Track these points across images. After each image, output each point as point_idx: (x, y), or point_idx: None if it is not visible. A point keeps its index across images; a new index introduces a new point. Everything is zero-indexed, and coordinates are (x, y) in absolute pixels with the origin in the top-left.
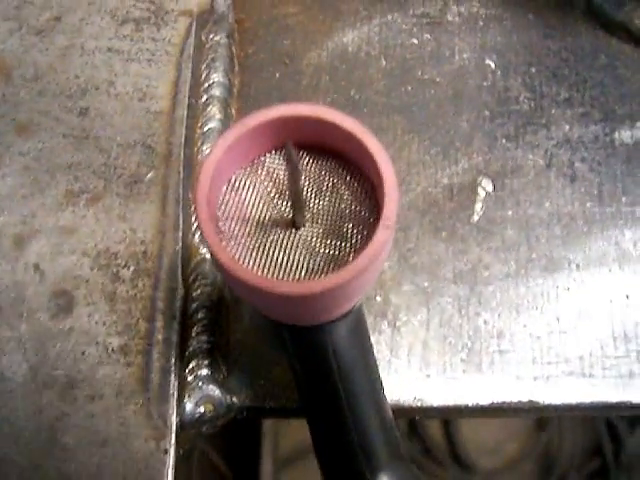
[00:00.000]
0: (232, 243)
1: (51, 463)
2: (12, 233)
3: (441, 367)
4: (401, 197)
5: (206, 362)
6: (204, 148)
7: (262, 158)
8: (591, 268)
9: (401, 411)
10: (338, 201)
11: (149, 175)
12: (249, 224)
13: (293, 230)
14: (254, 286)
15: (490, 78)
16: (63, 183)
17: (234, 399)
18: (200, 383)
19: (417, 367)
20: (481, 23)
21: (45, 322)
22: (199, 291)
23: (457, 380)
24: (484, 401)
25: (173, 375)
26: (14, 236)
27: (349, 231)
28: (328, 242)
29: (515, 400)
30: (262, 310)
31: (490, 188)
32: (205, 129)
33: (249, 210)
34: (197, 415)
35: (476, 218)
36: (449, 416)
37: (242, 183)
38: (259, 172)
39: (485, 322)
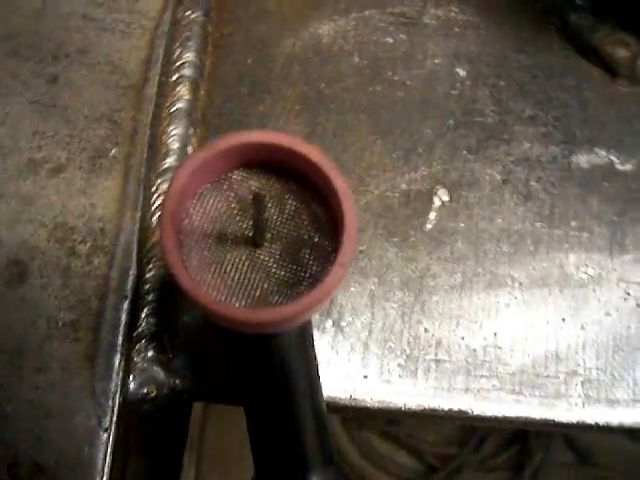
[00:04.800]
0: (192, 256)
1: None
2: None
3: (379, 369)
4: (358, 201)
5: (153, 344)
6: (170, 129)
7: (229, 174)
8: (533, 288)
9: (336, 408)
10: (299, 225)
11: (113, 151)
12: (210, 238)
13: (252, 249)
14: (204, 306)
15: (459, 87)
16: (26, 151)
17: (177, 382)
18: (145, 364)
19: (356, 367)
20: (457, 29)
21: None
22: (152, 273)
23: (393, 384)
24: (416, 406)
25: (120, 354)
26: None
27: (306, 257)
28: (285, 265)
29: (446, 408)
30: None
31: (446, 198)
32: (173, 109)
33: (211, 224)
34: (140, 395)
35: (429, 227)
36: (383, 416)
37: (207, 198)
38: (225, 188)
39: (425, 330)
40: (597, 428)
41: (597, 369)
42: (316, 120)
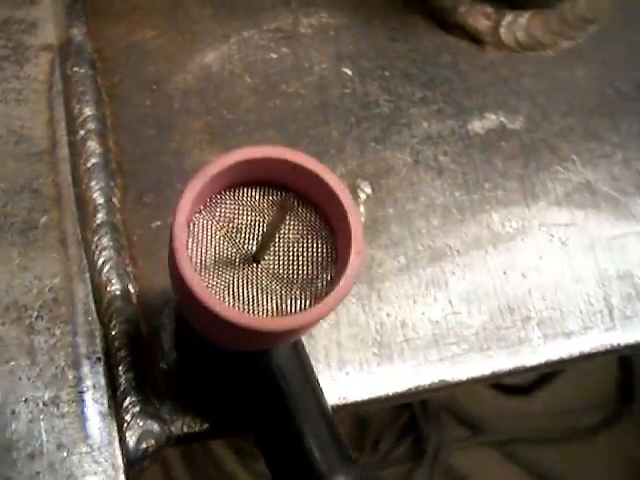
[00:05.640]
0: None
1: None
2: None
3: (357, 364)
4: None
5: (138, 398)
6: (92, 185)
7: (215, 198)
8: (470, 251)
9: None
10: (291, 232)
11: (43, 220)
12: (213, 265)
13: (254, 265)
14: (243, 325)
15: (350, 85)
16: None
17: (172, 429)
18: (137, 420)
19: (336, 367)
20: (332, 33)
21: None
22: (117, 329)
23: (374, 373)
24: (401, 388)
25: (110, 417)
26: None
27: (312, 257)
28: (296, 266)
29: (428, 382)
30: (217, 342)
31: (369, 190)
32: (89, 165)
33: (210, 252)
34: (141, 452)
35: (362, 220)
36: (372, 407)
37: (200, 227)
38: (214, 213)
39: (388, 315)
40: (562, 362)
41: (546, 309)
42: (228, 145)
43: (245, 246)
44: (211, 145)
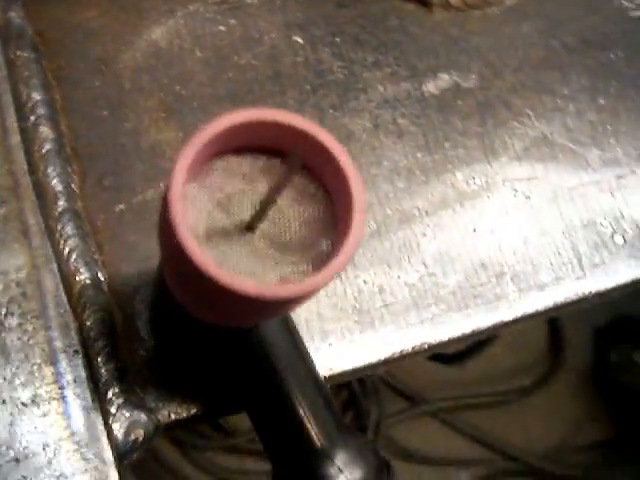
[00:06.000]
0: None
1: None
2: None
3: (339, 333)
4: None
5: (122, 389)
6: (49, 171)
7: (203, 168)
8: (438, 211)
9: None
10: (284, 198)
11: (2, 211)
12: (208, 237)
13: (249, 234)
14: (254, 294)
15: (302, 53)
16: None
17: (159, 417)
18: (123, 412)
19: (319, 339)
20: (279, 2)
21: None
22: (92, 319)
23: (357, 341)
24: (385, 354)
25: (95, 411)
26: None
27: (305, 223)
28: (289, 236)
29: (411, 346)
30: (214, 320)
31: None
32: (43, 151)
33: (204, 223)
34: (130, 444)
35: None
36: (358, 376)
37: (191, 198)
38: (204, 183)
39: (365, 282)
40: (538, 315)
41: (518, 263)
42: (185, 121)
43: (238, 215)
44: (167, 122)
